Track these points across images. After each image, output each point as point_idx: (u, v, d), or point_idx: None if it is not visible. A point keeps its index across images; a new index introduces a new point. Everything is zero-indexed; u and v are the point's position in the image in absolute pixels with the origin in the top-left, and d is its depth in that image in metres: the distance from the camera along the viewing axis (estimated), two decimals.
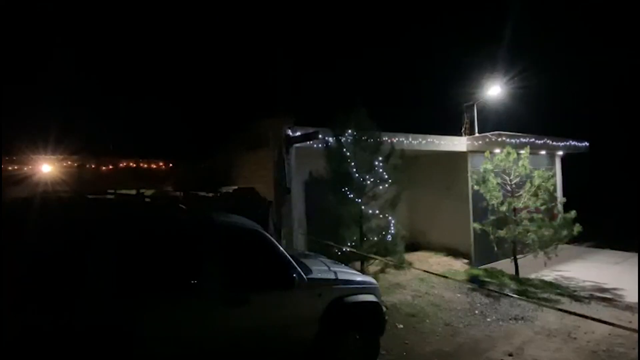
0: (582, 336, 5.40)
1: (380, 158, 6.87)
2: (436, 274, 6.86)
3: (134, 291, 3.10)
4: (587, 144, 12.57)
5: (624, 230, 12.64)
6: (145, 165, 9.39)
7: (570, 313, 4.74)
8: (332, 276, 4.19)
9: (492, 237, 8.52)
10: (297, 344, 3.86)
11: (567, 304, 6.71)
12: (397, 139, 8.19)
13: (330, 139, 6.89)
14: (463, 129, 11.54)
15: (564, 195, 11.34)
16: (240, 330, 3.46)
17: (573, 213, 8.02)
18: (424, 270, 6.73)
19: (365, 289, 4.34)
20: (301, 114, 8.01)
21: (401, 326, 5.78)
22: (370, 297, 4.29)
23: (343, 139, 6.72)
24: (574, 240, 8.80)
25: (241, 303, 3.45)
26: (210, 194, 7.16)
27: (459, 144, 10.11)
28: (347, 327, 4.08)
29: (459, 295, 7.26)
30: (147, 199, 4.67)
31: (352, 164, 6.67)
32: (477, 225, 8.85)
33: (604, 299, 7.04)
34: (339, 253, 6.68)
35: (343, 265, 5.00)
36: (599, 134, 14.46)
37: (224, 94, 13.67)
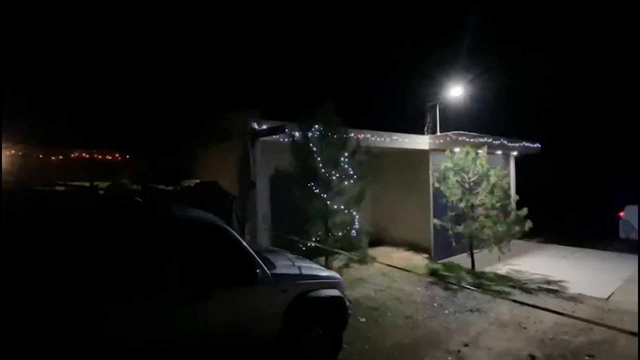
0: (532, 326, 5.75)
1: (346, 154, 6.92)
2: (397, 268, 7.03)
3: (86, 290, 2.91)
4: (538, 145, 13.36)
5: (570, 227, 13.70)
6: (100, 156, 8.88)
7: (522, 304, 5.03)
8: (297, 271, 4.17)
9: (450, 232, 8.88)
10: (260, 340, 3.80)
11: (518, 295, 7.10)
12: (363, 135, 8.28)
13: (297, 134, 6.84)
14: (426, 128, 11.88)
15: (517, 193, 12.00)
16: (202, 327, 3.36)
17: (525, 210, 8.51)
18: (386, 264, 6.87)
19: (329, 283, 4.35)
20: (268, 107, 7.92)
21: (364, 320, 5.87)
22: (334, 292, 4.30)
23: (310, 134, 6.69)
24: (525, 235, 9.34)
25: (202, 300, 3.35)
26: (171, 188, 6.90)
27: (421, 142, 10.41)
28: (311, 322, 4.07)
29: (419, 288, 7.49)
30: (100, 192, 4.42)
31: (319, 159, 6.67)
32: (437, 221, 9.19)
33: (550, 291, 7.53)
34: (304, 248, 6.66)
35: (307, 260, 4.99)
36: (550, 136, 15.39)
37: (188, 85, 13.19)
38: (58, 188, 4.04)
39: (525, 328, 5.69)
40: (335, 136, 6.91)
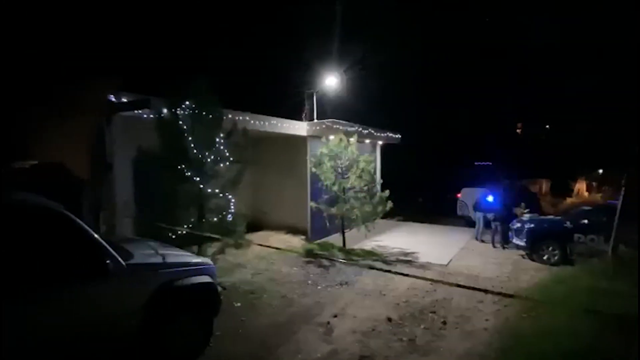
0: (390, 292, 6.51)
1: (221, 135, 6.56)
2: (275, 248, 7.13)
3: None
4: (399, 135, 15.10)
5: (422, 206, 16.04)
6: None
7: (384, 271, 5.64)
8: (159, 260, 3.80)
9: (325, 214, 9.40)
10: (118, 337, 3.38)
11: (380, 267, 7.95)
12: (240, 117, 8.01)
13: (165, 110, 6.17)
14: (304, 115, 12.23)
15: (382, 178, 13.41)
16: (41, 333, 2.80)
17: (387, 192, 9.55)
18: (259, 244, 6.89)
19: (199, 270, 4.11)
20: (130, 78, 6.94)
21: (239, 304, 5.77)
22: (204, 279, 4.09)
23: (179, 111, 6.11)
24: (388, 215, 10.50)
25: (38, 300, 2.77)
26: None
27: (299, 128, 10.65)
28: (178, 311, 3.81)
29: (295, 268, 7.74)
30: None
31: (190, 139, 6.15)
32: (313, 204, 9.62)
33: (406, 261, 8.66)
34: (174, 236, 6.14)
35: (175, 248, 4.61)
36: (409, 128, 17.50)
37: (26, 46, 10.61)
38: None
39: (384, 295, 6.41)
40: (209, 115, 6.47)
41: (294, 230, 10.75)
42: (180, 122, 6.07)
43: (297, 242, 10.19)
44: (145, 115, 6.36)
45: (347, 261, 8.25)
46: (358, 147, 9.76)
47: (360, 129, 11.88)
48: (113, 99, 6.17)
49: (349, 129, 10.92)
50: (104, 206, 6.18)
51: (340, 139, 9.38)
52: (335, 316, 5.51)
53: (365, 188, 9.58)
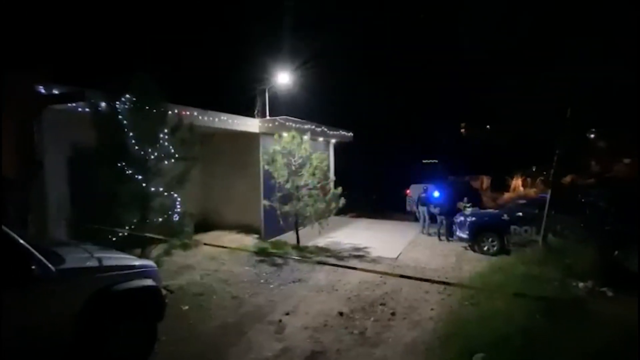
0: (342, 287, 6.61)
1: (166, 130, 6.24)
2: (226, 248, 6.94)
3: None
4: (351, 134, 15.37)
5: (374, 203, 16.49)
6: None
7: (337, 266, 5.70)
8: (95, 264, 3.55)
9: (279, 212, 9.32)
10: (49, 347, 3.11)
11: (333, 263, 8.05)
12: (186, 112, 7.69)
13: (103, 103, 5.75)
14: (256, 112, 12.03)
15: (335, 175, 13.55)
16: None
17: (339, 189, 9.68)
18: (209, 244, 6.68)
19: (141, 273, 3.89)
20: (64, 69, 6.40)
21: (186, 307, 5.55)
22: (147, 282, 3.88)
23: (119, 105, 5.72)
24: (341, 212, 10.65)
25: None
26: None
27: (251, 125, 10.46)
28: (117, 317, 3.57)
29: (247, 268, 7.60)
30: None
31: (131, 134, 5.79)
32: (266, 202, 9.50)
33: (357, 256, 8.84)
34: (114, 239, 5.75)
35: (114, 251, 4.33)
36: (362, 127, 17.88)
37: None
38: None
39: (337, 290, 6.49)
40: (153, 110, 6.12)
41: (247, 230, 10.55)
42: (120, 117, 5.70)
43: (250, 241, 10.02)
44: (80, 109, 5.89)
45: (300, 258, 8.24)
46: (311, 145, 9.79)
47: (313, 126, 11.92)
48: (42, 91, 5.64)
49: (302, 126, 10.92)
50: (33, 207, 5.65)
51: (293, 136, 9.35)
52: (288, 314, 5.48)
53: (319, 185, 9.64)
